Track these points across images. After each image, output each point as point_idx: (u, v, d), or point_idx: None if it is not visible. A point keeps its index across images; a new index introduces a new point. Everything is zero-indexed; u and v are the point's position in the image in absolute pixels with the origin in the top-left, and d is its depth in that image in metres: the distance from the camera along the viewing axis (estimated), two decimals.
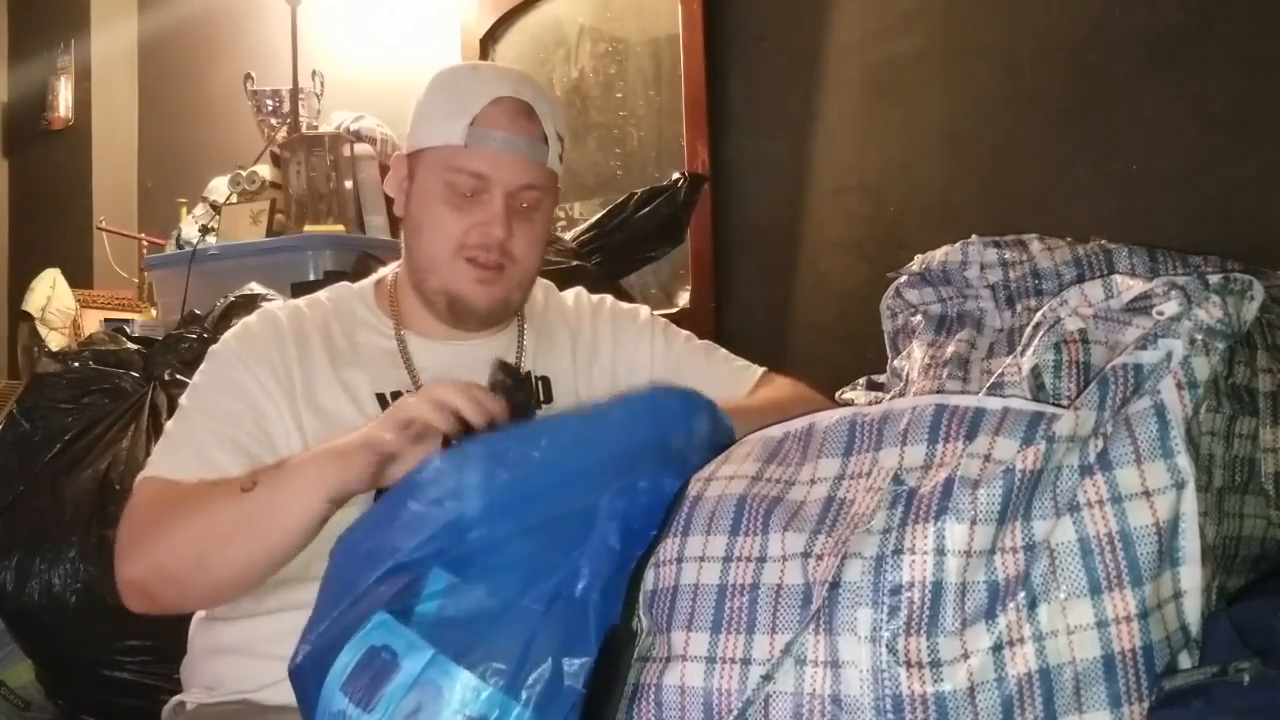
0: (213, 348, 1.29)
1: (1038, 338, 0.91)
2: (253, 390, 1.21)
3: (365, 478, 1.07)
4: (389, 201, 2.42)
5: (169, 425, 1.26)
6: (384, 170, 2.49)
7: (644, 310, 1.46)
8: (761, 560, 0.85)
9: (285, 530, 1.09)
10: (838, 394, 1.42)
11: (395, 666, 0.86)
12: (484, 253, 1.24)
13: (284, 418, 1.20)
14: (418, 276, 1.29)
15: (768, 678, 0.80)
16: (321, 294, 1.37)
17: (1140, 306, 0.88)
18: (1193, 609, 0.78)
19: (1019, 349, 0.93)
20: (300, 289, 1.87)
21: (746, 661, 0.82)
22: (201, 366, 1.28)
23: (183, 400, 1.26)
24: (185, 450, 1.19)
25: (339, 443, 1.10)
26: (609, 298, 1.47)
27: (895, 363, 1.24)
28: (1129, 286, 0.89)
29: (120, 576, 1.15)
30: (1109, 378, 0.80)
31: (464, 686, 0.85)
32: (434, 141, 1.26)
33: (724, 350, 1.44)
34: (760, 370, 1.41)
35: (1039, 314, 0.93)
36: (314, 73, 2.67)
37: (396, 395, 1.24)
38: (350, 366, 1.26)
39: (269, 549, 1.11)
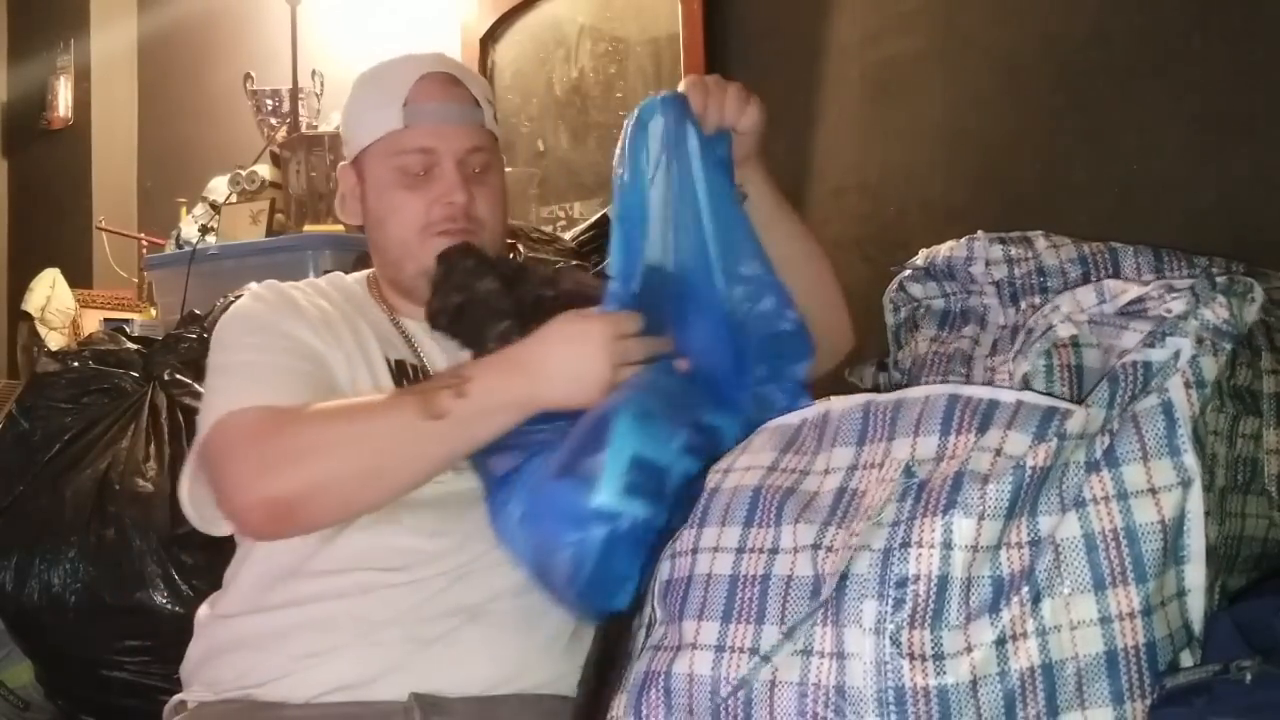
0: (223, 318, 1.27)
1: (1030, 344, 0.91)
2: (287, 325, 1.20)
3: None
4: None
5: (209, 383, 1.21)
6: None
7: None
8: (774, 551, 0.85)
9: (486, 437, 1.09)
10: (846, 373, 1.42)
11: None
12: (451, 223, 1.25)
13: (322, 348, 1.20)
14: (392, 270, 1.30)
15: (765, 659, 0.80)
16: (320, 279, 1.37)
17: (1135, 310, 0.88)
18: (1196, 607, 0.79)
19: (1011, 355, 0.93)
20: None
21: (755, 651, 0.82)
22: (219, 333, 1.25)
23: (213, 363, 1.23)
24: (254, 382, 1.15)
25: (524, 358, 1.09)
26: None
27: (897, 356, 1.24)
28: (1122, 290, 0.89)
29: (253, 496, 1.09)
30: (1119, 375, 0.80)
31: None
32: (373, 136, 1.27)
33: None
34: None
35: (1030, 320, 0.93)
36: (314, 73, 2.67)
37: (401, 364, 1.25)
38: (360, 326, 1.26)
39: (452, 461, 1.11)
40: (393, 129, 1.25)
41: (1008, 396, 0.84)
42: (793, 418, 0.98)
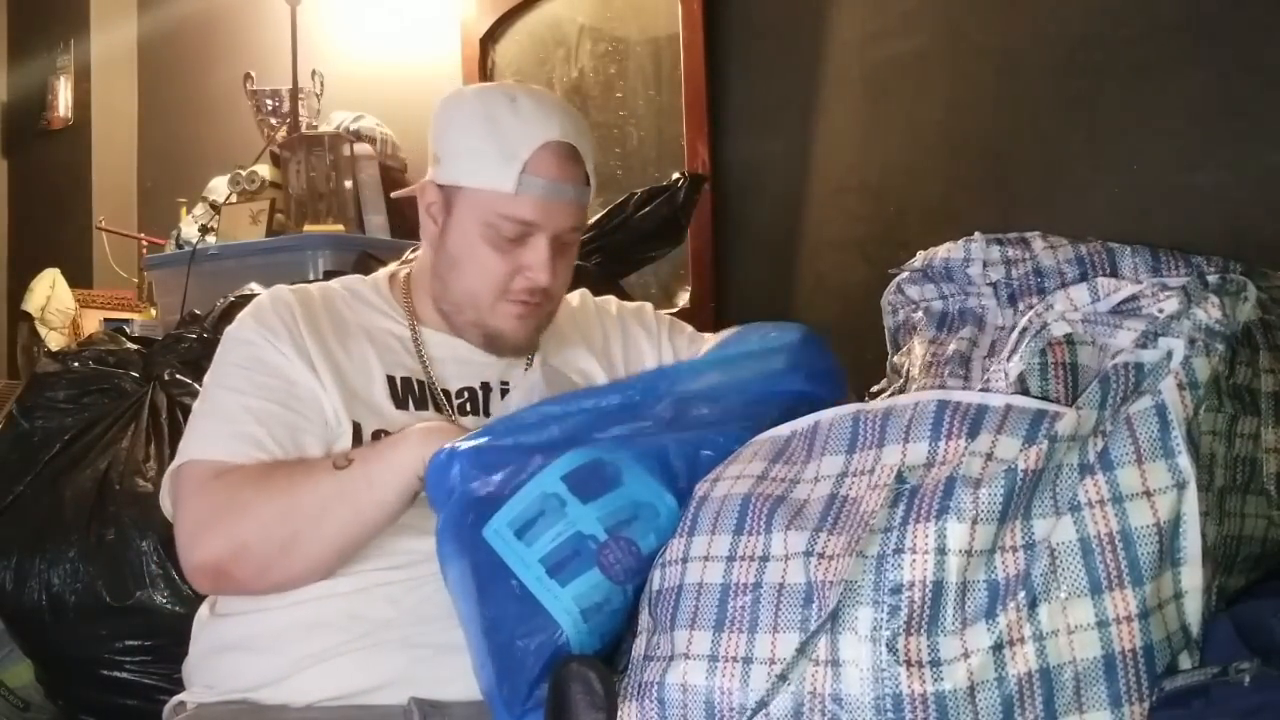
0: (228, 330, 1.28)
1: (1023, 343, 0.91)
2: (277, 361, 1.21)
3: None
4: (388, 202, 2.41)
5: (196, 407, 1.25)
6: (384, 170, 2.49)
7: (648, 308, 1.47)
8: (764, 559, 0.85)
9: (383, 504, 1.12)
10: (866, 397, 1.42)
11: (618, 480, 1.00)
12: (529, 296, 1.25)
13: (311, 382, 1.21)
14: (450, 306, 1.29)
15: (783, 678, 0.80)
16: (333, 281, 1.36)
17: (1128, 309, 0.88)
18: (1193, 609, 0.78)
19: (1004, 354, 0.93)
20: None
21: (748, 660, 0.82)
22: (220, 349, 1.27)
23: (207, 381, 1.25)
24: (225, 429, 1.19)
25: (434, 424, 1.16)
26: (613, 298, 1.48)
27: (895, 359, 1.24)
28: (1116, 288, 0.89)
29: (193, 559, 1.16)
30: (1110, 376, 0.80)
31: (670, 510, 1.00)
32: (479, 184, 1.22)
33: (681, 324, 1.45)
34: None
35: (1024, 318, 0.93)
36: (314, 72, 2.67)
37: (406, 381, 1.25)
38: (361, 344, 1.26)
39: (365, 523, 1.13)
40: (501, 190, 1.20)
41: (996, 401, 0.84)
42: (782, 429, 0.98)
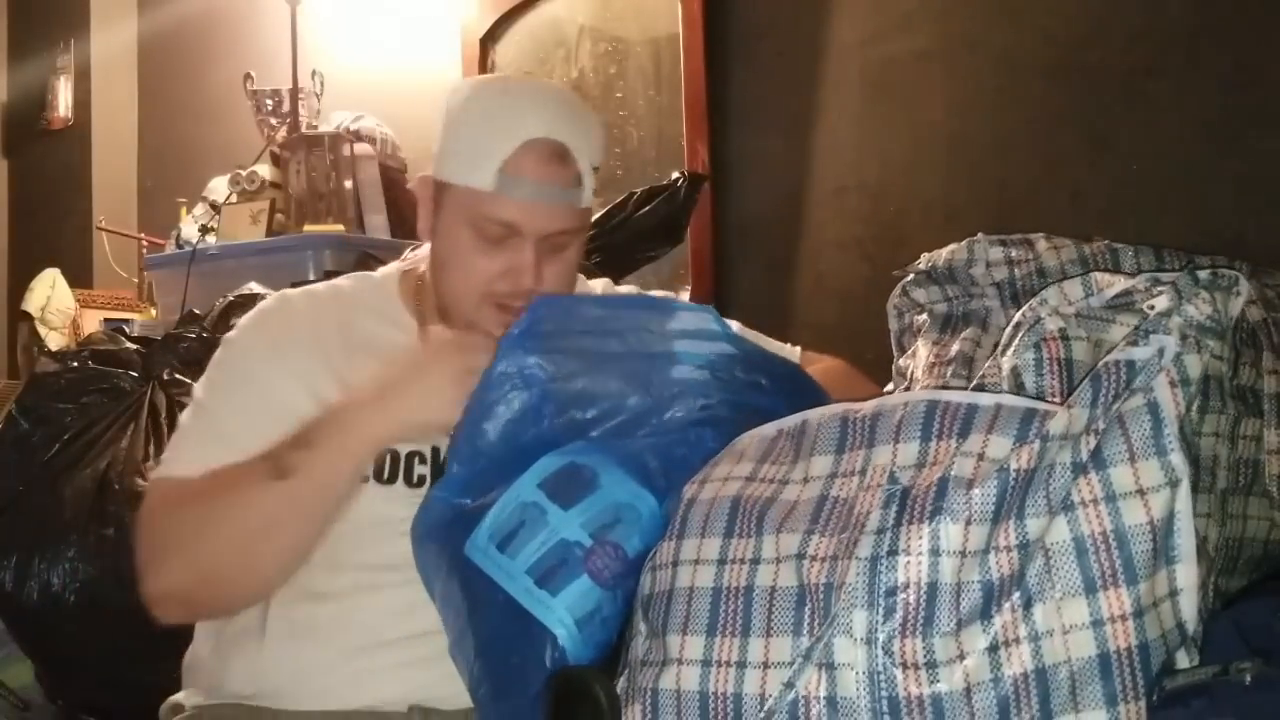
0: (227, 335, 1.26)
1: (1017, 338, 0.90)
2: (266, 377, 1.18)
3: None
4: (388, 202, 2.40)
5: (183, 419, 1.23)
6: (384, 170, 2.50)
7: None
8: (755, 562, 0.85)
9: (339, 498, 1.10)
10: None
11: (596, 483, 0.98)
12: (513, 300, 1.18)
13: (299, 396, 1.17)
14: (442, 304, 1.25)
15: (789, 685, 0.79)
16: (344, 280, 1.32)
17: (1122, 303, 0.88)
18: (1188, 607, 0.78)
19: (999, 349, 0.92)
20: None
21: (742, 664, 0.82)
22: (216, 355, 1.24)
23: (197, 393, 1.23)
24: (193, 448, 1.17)
25: (371, 396, 1.10)
26: (634, 288, 1.46)
27: (900, 362, 1.24)
28: (1110, 283, 0.88)
29: (151, 590, 1.12)
30: (1101, 374, 0.80)
31: (651, 510, 0.98)
32: (461, 180, 1.17)
33: (754, 332, 1.40)
34: (798, 348, 1.40)
35: (1019, 314, 0.92)
36: (314, 73, 2.67)
37: None
38: (362, 355, 1.22)
39: (323, 526, 1.11)
40: (481, 189, 1.15)
41: (986, 400, 0.83)
42: (769, 428, 0.97)
